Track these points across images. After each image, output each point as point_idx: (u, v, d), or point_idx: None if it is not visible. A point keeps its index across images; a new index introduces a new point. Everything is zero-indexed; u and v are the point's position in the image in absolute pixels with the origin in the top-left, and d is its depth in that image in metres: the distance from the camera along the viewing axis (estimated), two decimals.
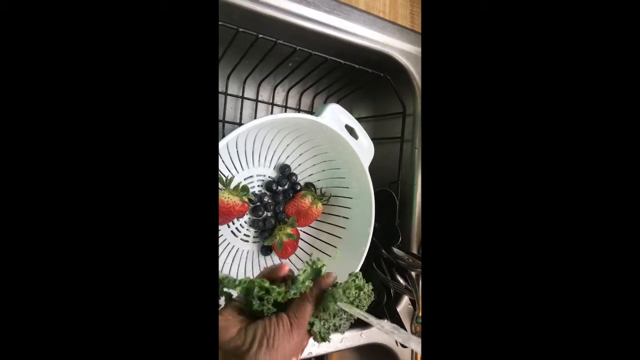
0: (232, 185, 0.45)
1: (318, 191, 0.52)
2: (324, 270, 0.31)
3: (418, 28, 0.55)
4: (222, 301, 0.30)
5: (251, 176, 0.51)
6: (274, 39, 0.44)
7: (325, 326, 0.28)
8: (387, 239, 0.53)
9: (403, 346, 0.51)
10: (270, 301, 0.28)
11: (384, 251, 0.51)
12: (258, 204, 0.50)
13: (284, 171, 0.52)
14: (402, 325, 0.50)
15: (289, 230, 0.49)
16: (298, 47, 0.46)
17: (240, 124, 0.46)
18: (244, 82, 0.53)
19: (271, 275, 0.30)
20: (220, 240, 0.48)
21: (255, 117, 0.57)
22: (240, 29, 0.42)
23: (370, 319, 0.28)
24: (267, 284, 0.28)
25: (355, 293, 0.29)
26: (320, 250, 0.52)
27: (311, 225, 0.53)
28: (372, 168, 0.46)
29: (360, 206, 0.48)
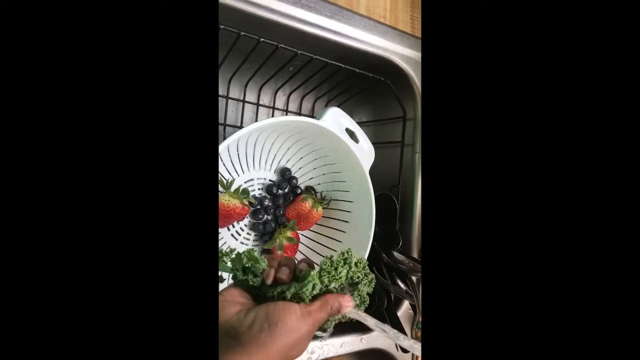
0: (233, 188, 0.45)
1: (318, 195, 0.52)
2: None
3: (418, 33, 0.55)
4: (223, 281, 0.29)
5: (252, 179, 0.51)
6: (275, 43, 0.44)
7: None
8: (387, 243, 0.52)
9: (404, 351, 0.51)
10: (256, 273, 0.26)
11: (384, 255, 0.51)
12: (258, 207, 0.50)
13: (285, 174, 0.52)
14: (402, 330, 0.50)
15: (289, 233, 0.49)
16: (299, 52, 0.46)
17: (241, 128, 0.47)
18: (245, 86, 0.53)
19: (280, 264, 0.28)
20: (220, 243, 0.48)
21: (256, 121, 0.57)
22: (242, 33, 0.42)
23: (369, 320, 0.27)
24: (255, 254, 0.27)
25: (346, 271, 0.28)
26: (320, 254, 0.52)
27: (311, 229, 0.53)
28: (373, 172, 0.46)
29: (361, 210, 0.48)
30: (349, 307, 0.27)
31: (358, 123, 0.46)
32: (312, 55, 0.47)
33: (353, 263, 0.29)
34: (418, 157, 0.56)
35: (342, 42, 0.49)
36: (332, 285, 0.28)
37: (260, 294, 0.27)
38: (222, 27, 0.41)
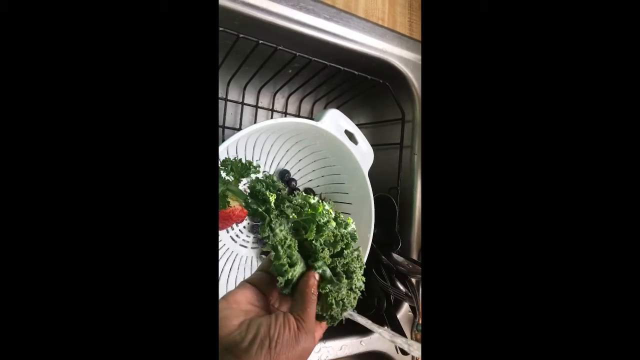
0: None
1: (317, 197, 0.52)
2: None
3: (417, 35, 0.56)
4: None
5: None
6: (274, 45, 0.44)
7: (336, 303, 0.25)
8: (386, 245, 0.52)
9: (404, 353, 0.51)
10: (270, 201, 0.24)
11: (383, 257, 0.51)
12: None
13: (284, 176, 0.52)
14: (402, 333, 0.50)
15: None
16: (298, 54, 0.46)
17: (240, 130, 0.47)
18: (244, 89, 0.53)
19: None
20: (219, 245, 0.48)
21: (255, 123, 0.57)
22: (241, 35, 0.42)
23: (368, 323, 0.27)
24: (273, 179, 0.25)
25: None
26: None
27: None
28: (372, 174, 0.46)
29: (360, 212, 0.48)
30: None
31: (357, 125, 0.46)
32: (310, 57, 0.47)
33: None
34: (417, 159, 0.56)
35: (340, 45, 0.49)
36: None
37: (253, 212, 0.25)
38: (221, 29, 0.41)
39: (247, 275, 0.49)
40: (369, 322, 0.27)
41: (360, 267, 0.27)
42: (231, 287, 0.47)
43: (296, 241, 0.25)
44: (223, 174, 0.27)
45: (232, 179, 0.27)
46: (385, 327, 0.28)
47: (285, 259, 0.24)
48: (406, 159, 0.57)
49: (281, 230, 0.25)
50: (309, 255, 0.26)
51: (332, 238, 0.26)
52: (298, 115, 0.61)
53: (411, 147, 0.57)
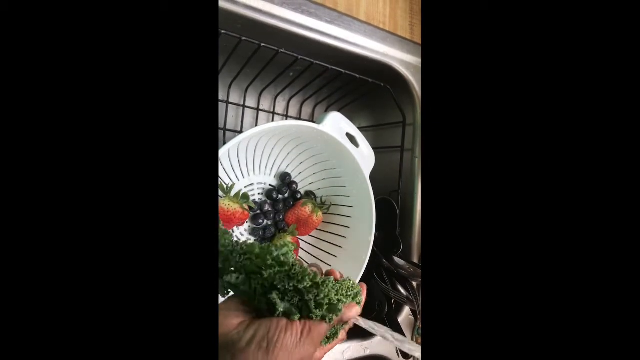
0: (233, 193, 0.44)
1: (318, 200, 0.52)
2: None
3: (418, 39, 0.56)
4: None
5: (252, 184, 0.50)
6: (275, 48, 0.44)
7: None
8: (388, 248, 0.52)
9: (405, 357, 0.51)
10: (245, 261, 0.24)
11: (384, 260, 0.51)
12: (258, 212, 0.50)
13: (285, 179, 0.52)
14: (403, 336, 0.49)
15: (288, 238, 0.49)
16: (299, 57, 0.46)
17: (241, 133, 0.47)
18: (246, 91, 0.53)
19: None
20: None
21: (256, 126, 0.57)
22: (243, 38, 0.42)
23: (370, 324, 0.27)
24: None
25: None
26: (320, 260, 0.51)
27: (311, 234, 0.53)
28: (373, 177, 0.46)
29: (361, 215, 0.48)
30: (355, 317, 0.26)
31: (358, 128, 0.46)
32: (312, 60, 0.47)
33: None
34: (418, 162, 0.56)
35: (342, 48, 0.49)
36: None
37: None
38: (223, 32, 0.41)
39: None
40: (370, 323, 0.27)
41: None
42: None
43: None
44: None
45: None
46: (387, 329, 0.28)
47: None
48: (407, 162, 0.57)
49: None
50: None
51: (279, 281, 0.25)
52: (299, 118, 0.61)
53: (412, 150, 0.57)
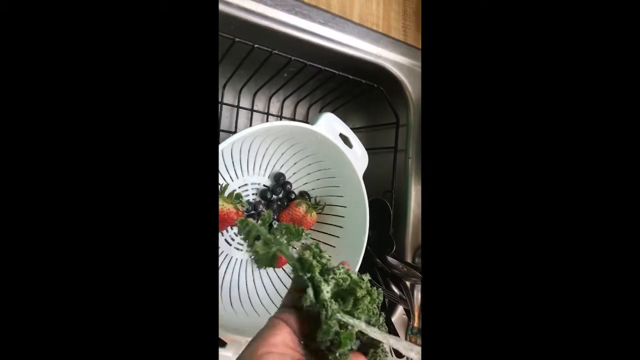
0: (227, 193, 0.45)
1: (312, 200, 0.52)
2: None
3: (411, 41, 0.56)
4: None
5: (246, 184, 0.51)
6: (269, 50, 0.45)
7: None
8: (381, 248, 0.53)
9: (398, 355, 0.51)
10: (315, 270, 0.24)
11: (378, 260, 0.51)
12: (252, 212, 0.50)
13: (279, 179, 0.52)
14: (396, 336, 0.50)
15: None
16: (293, 58, 0.47)
17: (235, 133, 0.47)
18: (240, 92, 0.53)
19: None
20: None
21: (250, 126, 0.57)
22: (237, 39, 0.42)
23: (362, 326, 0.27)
24: (320, 249, 0.25)
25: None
26: None
27: None
28: (366, 177, 0.47)
29: (355, 215, 0.48)
30: None
31: (351, 129, 0.47)
32: (306, 61, 0.48)
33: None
34: (411, 163, 0.56)
35: (335, 49, 0.50)
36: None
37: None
38: None
39: (242, 278, 0.49)
40: (363, 324, 0.27)
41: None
42: (226, 290, 0.47)
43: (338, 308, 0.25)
44: (277, 236, 0.28)
45: (285, 241, 0.28)
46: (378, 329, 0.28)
47: (334, 322, 0.24)
48: (400, 162, 0.57)
49: (327, 293, 0.25)
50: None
51: (366, 312, 0.26)
52: (293, 119, 0.62)
53: (405, 151, 0.57)
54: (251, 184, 0.51)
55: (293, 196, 0.53)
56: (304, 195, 0.53)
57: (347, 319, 0.24)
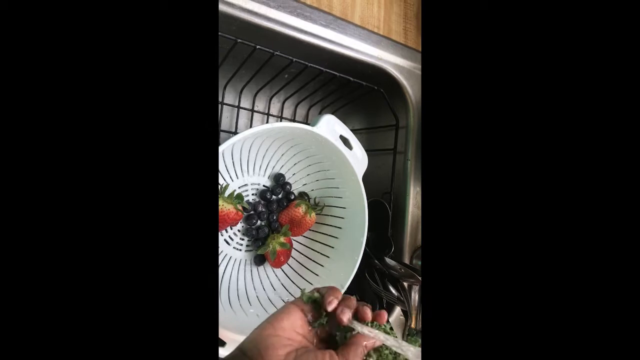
0: (227, 193, 0.45)
1: (312, 200, 0.52)
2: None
3: (411, 43, 0.57)
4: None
5: (245, 184, 0.51)
6: (271, 51, 0.45)
7: None
8: (379, 249, 0.53)
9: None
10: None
11: (376, 261, 0.52)
12: (252, 212, 0.50)
13: (279, 180, 0.52)
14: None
15: (282, 239, 0.49)
16: (294, 59, 0.47)
17: (235, 133, 0.47)
18: (240, 92, 0.54)
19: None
20: None
21: (251, 127, 0.57)
22: (239, 40, 0.43)
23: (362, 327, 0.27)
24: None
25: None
26: (313, 260, 0.52)
27: (304, 234, 0.53)
28: (366, 179, 0.47)
29: (354, 216, 0.48)
30: (380, 342, 0.25)
31: (351, 130, 0.47)
32: (307, 63, 0.48)
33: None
34: (410, 165, 0.57)
35: (336, 51, 0.50)
36: None
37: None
38: (219, 34, 0.41)
39: (241, 278, 0.50)
40: (359, 325, 0.28)
41: None
42: (225, 289, 0.47)
43: None
44: None
45: None
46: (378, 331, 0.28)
47: None
48: (399, 164, 0.57)
49: None
50: None
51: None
52: (293, 120, 0.62)
53: (404, 153, 0.57)
54: (251, 184, 0.51)
55: (292, 197, 0.53)
56: (303, 196, 0.53)
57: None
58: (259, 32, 0.45)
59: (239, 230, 0.51)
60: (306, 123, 0.62)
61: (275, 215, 0.52)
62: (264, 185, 0.52)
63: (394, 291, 0.51)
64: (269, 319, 0.24)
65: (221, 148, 0.37)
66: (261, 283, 0.51)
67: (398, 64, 0.56)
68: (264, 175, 0.52)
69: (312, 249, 0.53)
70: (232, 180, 0.50)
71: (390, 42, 0.55)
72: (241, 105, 0.54)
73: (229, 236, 0.50)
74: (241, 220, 0.50)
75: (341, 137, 0.45)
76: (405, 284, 0.51)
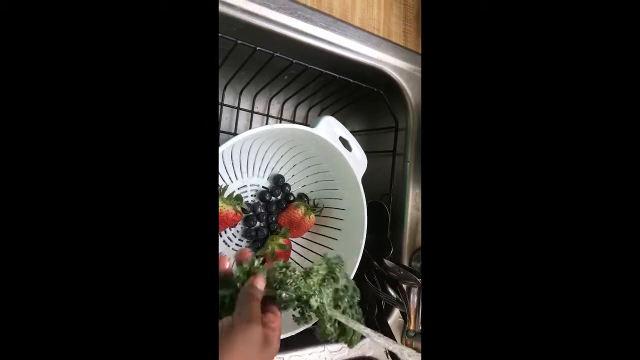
0: (226, 194, 0.45)
1: (311, 202, 0.52)
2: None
3: (411, 45, 0.57)
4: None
5: (245, 186, 0.51)
6: (271, 52, 0.45)
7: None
8: (378, 251, 0.53)
9: (393, 357, 0.51)
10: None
11: (375, 263, 0.52)
12: (251, 213, 0.50)
13: (278, 181, 0.52)
14: (392, 338, 0.50)
15: (281, 240, 0.49)
16: (294, 61, 0.47)
17: (235, 134, 0.47)
18: (240, 93, 0.54)
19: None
20: None
21: (250, 128, 0.57)
22: (239, 41, 0.43)
23: (361, 328, 0.28)
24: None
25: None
26: (312, 262, 0.52)
27: (304, 236, 0.53)
28: (365, 180, 0.47)
29: (353, 218, 0.48)
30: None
31: (351, 132, 0.47)
32: (307, 64, 0.48)
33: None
34: (409, 167, 0.57)
35: (336, 53, 0.50)
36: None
37: None
38: (220, 35, 0.42)
39: None
40: (362, 326, 0.28)
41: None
42: None
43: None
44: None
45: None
46: (378, 332, 0.28)
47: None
48: (399, 166, 0.57)
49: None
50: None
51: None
52: (293, 121, 0.62)
53: (404, 154, 0.57)
54: (250, 185, 0.51)
55: (292, 198, 0.53)
56: (302, 197, 0.53)
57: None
58: (259, 34, 0.45)
59: (237, 232, 0.51)
60: (306, 124, 0.62)
61: (275, 216, 0.52)
62: (263, 187, 0.52)
63: (392, 293, 0.50)
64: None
65: (221, 149, 0.37)
66: None
67: (398, 66, 0.56)
68: (263, 177, 0.52)
69: (311, 251, 0.53)
70: (232, 181, 0.49)
71: (390, 44, 0.55)
72: (241, 107, 0.54)
73: (228, 237, 0.50)
74: (240, 222, 0.50)
75: (341, 138, 0.45)
76: (404, 286, 0.51)
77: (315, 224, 0.51)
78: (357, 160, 0.47)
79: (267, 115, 0.58)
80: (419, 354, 0.25)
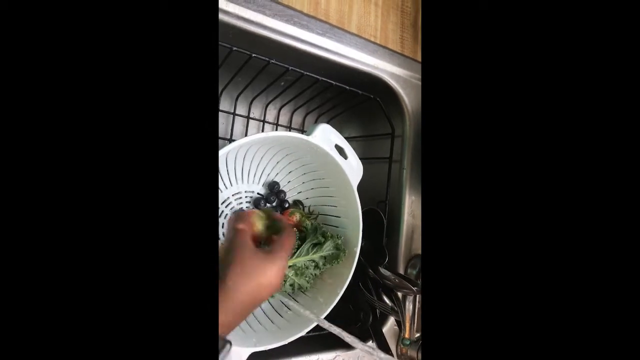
0: (221, 201, 0.44)
1: (306, 209, 0.52)
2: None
3: (408, 52, 0.57)
4: None
5: (240, 192, 0.50)
6: (267, 59, 0.45)
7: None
8: (374, 259, 0.53)
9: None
10: None
11: (370, 271, 0.51)
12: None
13: (273, 188, 0.52)
14: (387, 347, 0.50)
15: None
16: (290, 67, 0.47)
17: (231, 140, 0.47)
18: (236, 99, 0.53)
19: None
20: None
21: (246, 134, 0.57)
22: (235, 48, 0.42)
23: (350, 338, 0.27)
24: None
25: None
26: None
27: None
28: (361, 187, 0.47)
29: (348, 225, 0.48)
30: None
31: (347, 138, 0.47)
32: (303, 71, 0.48)
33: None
34: (405, 173, 0.57)
35: (332, 59, 0.50)
36: None
37: None
38: None
39: None
40: (351, 337, 0.27)
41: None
42: None
43: None
44: None
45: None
46: (370, 342, 0.28)
47: None
48: (395, 173, 0.57)
49: None
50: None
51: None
52: (290, 127, 0.62)
53: (400, 161, 0.57)
54: (245, 192, 0.51)
55: (287, 205, 0.53)
56: (297, 204, 0.53)
57: None
58: (255, 40, 0.44)
59: None
60: (302, 131, 0.62)
61: None
62: (258, 193, 0.52)
63: (388, 301, 0.50)
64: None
65: None
66: None
67: (394, 72, 0.56)
68: (258, 183, 0.52)
69: None
70: (227, 188, 0.49)
71: (387, 51, 0.55)
72: (237, 112, 0.54)
73: (222, 233, 0.50)
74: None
75: (336, 146, 0.45)
76: (400, 294, 0.51)
77: None
78: (353, 168, 0.47)
79: (263, 121, 0.58)
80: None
